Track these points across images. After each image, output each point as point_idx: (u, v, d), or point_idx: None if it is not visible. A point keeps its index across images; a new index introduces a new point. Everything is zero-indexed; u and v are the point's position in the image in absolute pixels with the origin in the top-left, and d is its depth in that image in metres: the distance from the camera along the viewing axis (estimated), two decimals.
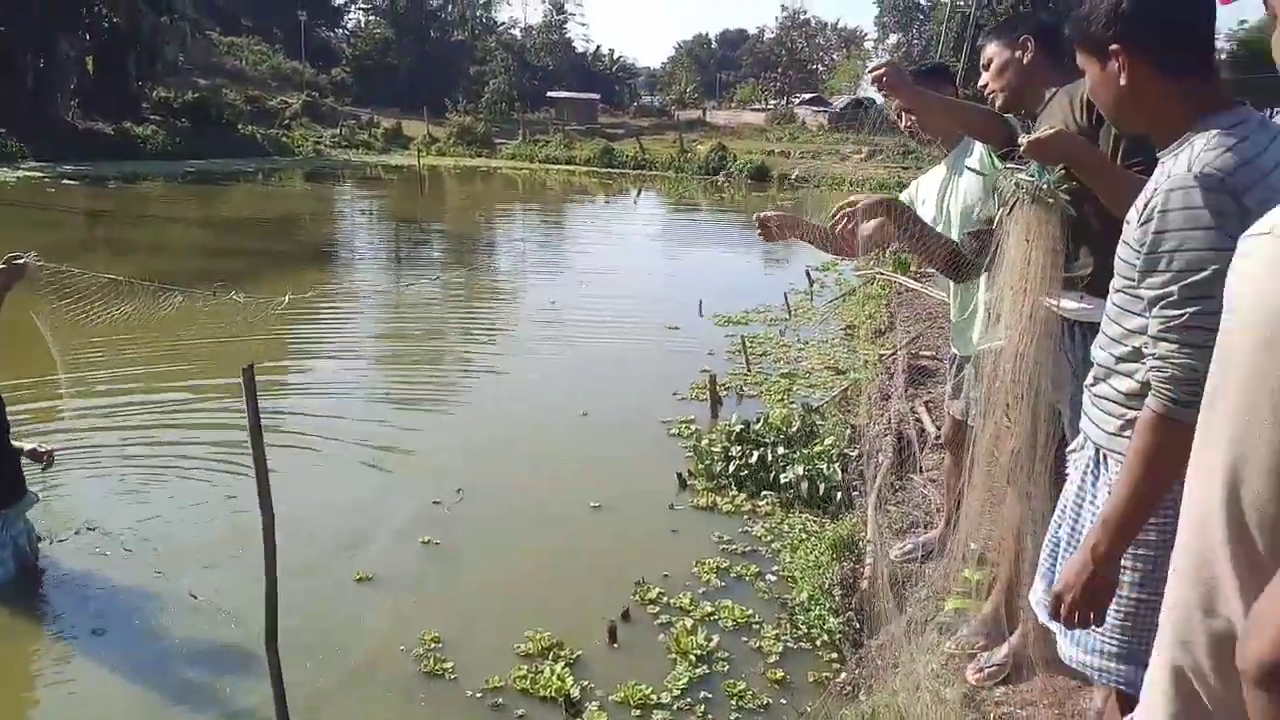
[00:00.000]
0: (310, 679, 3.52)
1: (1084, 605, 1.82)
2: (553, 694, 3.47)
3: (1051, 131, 2.42)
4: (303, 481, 5.27)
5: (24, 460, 4.37)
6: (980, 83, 3.05)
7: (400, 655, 3.73)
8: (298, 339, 8.98)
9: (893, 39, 70.38)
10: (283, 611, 3.34)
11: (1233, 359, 1.19)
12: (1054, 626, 2.17)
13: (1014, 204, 2.47)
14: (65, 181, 23.92)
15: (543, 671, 3.59)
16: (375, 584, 4.32)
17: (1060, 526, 2.18)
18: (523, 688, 3.51)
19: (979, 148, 3.42)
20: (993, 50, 2.97)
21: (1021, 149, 2.43)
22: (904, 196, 3.71)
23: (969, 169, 3.35)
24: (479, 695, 3.48)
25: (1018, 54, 2.87)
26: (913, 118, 3.43)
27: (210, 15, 49.91)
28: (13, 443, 4.31)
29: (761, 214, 3.56)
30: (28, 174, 24.92)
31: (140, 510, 4.96)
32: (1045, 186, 2.36)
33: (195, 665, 3.67)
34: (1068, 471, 2.26)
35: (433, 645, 3.78)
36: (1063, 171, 2.38)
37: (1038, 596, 2.29)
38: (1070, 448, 2.26)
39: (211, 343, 8.17)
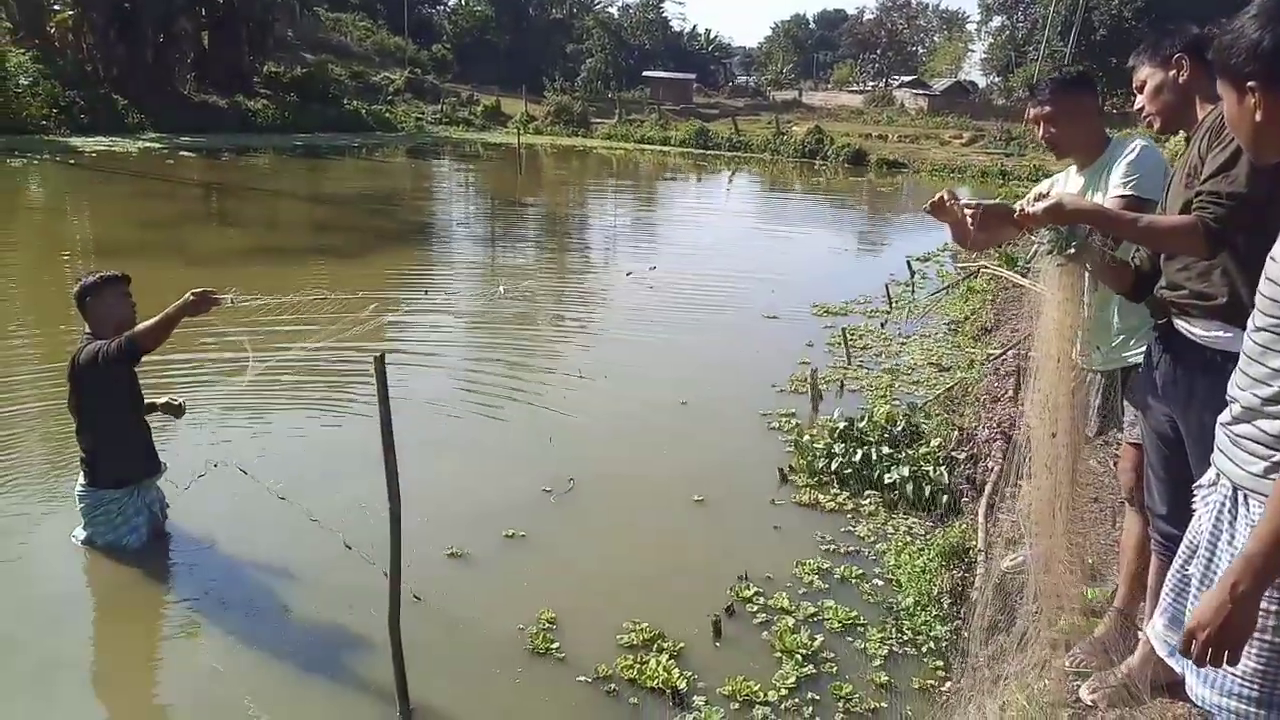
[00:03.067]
0: (428, 651, 3.64)
1: (1219, 644, 1.80)
2: (660, 684, 3.54)
3: (1047, 203, 2.64)
4: (415, 465, 5.44)
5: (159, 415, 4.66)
6: (1135, 106, 2.97)
7: (515, 635, 3.85)
8: (392, 335, 9.21)
9: (996, 21, 68.26)
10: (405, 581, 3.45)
11: None
12: (1178, 665, 2.15)
13: (1036, 259, 2.78)
14: (182, 153, 24.87)
15: (648, 662, 3.67)
16: (486, 566, 4.46)
17: (1190, 563, 2.15)
18: (630, 676, 3.59)
19: (1079, 179, 3.35)
20: (1146, 72, 2.89)
21: (1031, 222, 2.60)
22: (1035, 192, 3.63)
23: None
24: (590, 681, 3.57)
25: (1172, 73, 2.80)
26: (1051, 129, 3.33)
27: None
28: (147, 400, 4.58)
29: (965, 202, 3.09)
30: (148, 145, 25.98)
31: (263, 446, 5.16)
32: (1065, 245, 2.63)
33: (318, 635, 3.84)
34: (1194, 507, 2.23)
35: (547, 625, 3.90)
36: (1086, 229, 2.63)
37: (1158, 631, 2.27)
38: (1199, 483, 2.22)
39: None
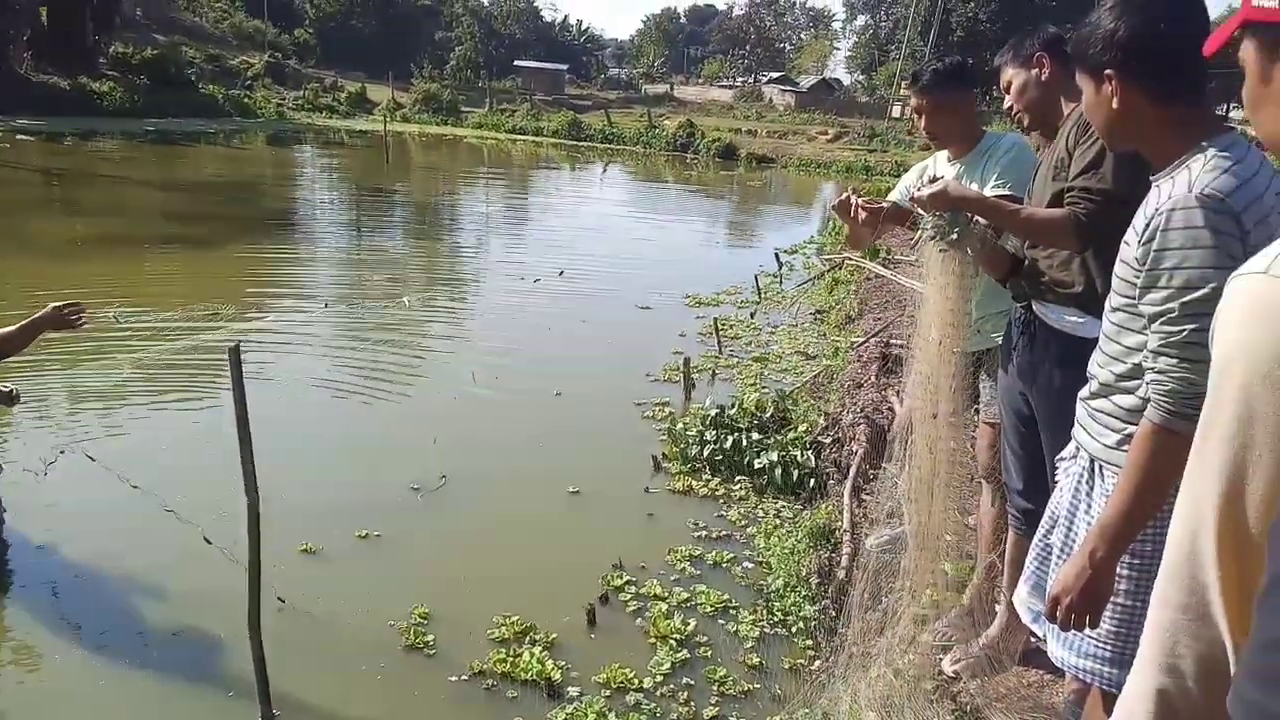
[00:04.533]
0: (296, 651, 3.51)
1: (1080, 609, 1.88)
2: (534, 676, 3.50)
3: (934, 188, 2.75)
4: (280, 461, 5.24)
5: None
6: (1005, 105, 3.09)
7: (387, 633, 3.74)
8: (257, 326, 8.87)
9: (860, 20, 70.44)
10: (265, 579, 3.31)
11: (1223, 392, 1.21)
12: (1042, 630, 2.24)
13: (919, 244, 2.89)
14: (19, 136, 23.26)
15: (521, 655, 3.62)
16: (355, 564, 4.32)
17: (1052, 533, 2.24)
18: (504, 670, 3.53)
19: (950, 168, 3.47)
20: (1011, 72, 3.01)
21: (917, 206, 2.71)
22: (904, 184, 3.72)
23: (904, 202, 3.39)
24: (467, 677, 3.51)
25: (1034, 71, 2.92)
26: (930, 117, 3.42)
27: None
28: None
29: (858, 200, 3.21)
30: None
31: (117, 438, 4.89)
32: (946, 230, 2.73)
33: (174, 636, 3.65)
34: (1056, 480, 2.33)
35: (419, 620, 3.82)
36: (969, 216, 2.74)
37: (1022, 598, 2.36)
38: (1061, 456, 2.32)
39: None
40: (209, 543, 3.88)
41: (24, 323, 3.89)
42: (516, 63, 60.81)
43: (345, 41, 56.89)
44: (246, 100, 37.89)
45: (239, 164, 24.06)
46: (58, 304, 3.92)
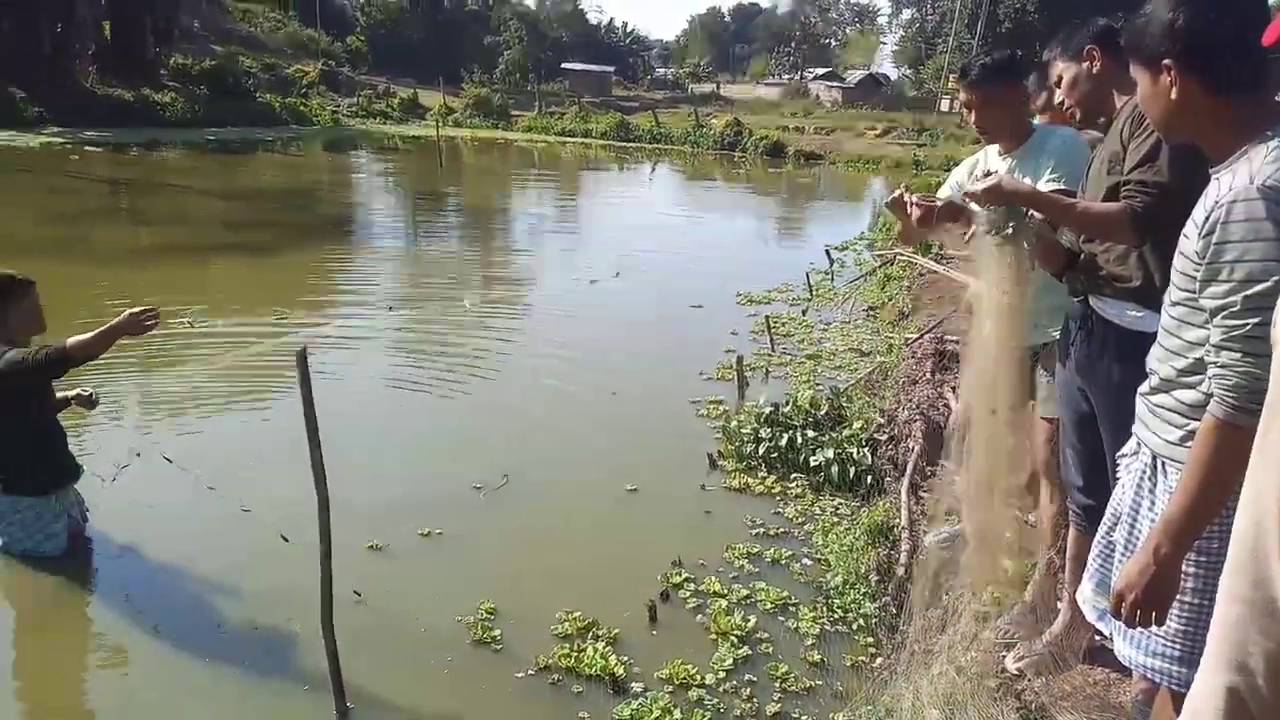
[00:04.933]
0: (368, 645, 3.60)
1: (1146, 606, 1.89)
2: (598, 671, 3.56)
3: (986, 182, 2.73)
4: (345, 459, 5.36)
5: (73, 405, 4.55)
6: (1057, 100, 3.08)
7: (454, 628, 3.84)
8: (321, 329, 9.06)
9: (906, 14, 69.54)
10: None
11: None
12: (1107, 627, 2.24)
13: (974, 239, 2.87)
14: (88, 148, 23.91)
15: (585, 650, 3.68)
16: (422, 561, 4.43)
17: (1115, 530, 2.24)
18: (568, 665, 3.60)
19: (1001, 162, 3.45)
20: (1061, 66, 3.00)
21: (970, 200, 2.70)
22: (954, 179, 3.73)
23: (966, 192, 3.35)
24: (532, 674, 3.57)
25: (1085, 65, 2.91)
26: (980, 111, 3.42)
27: None
28: (58, 395, 4.44)
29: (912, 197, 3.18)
30: (49, 139, 24.88)
31: (190, 438, 5.03)
32: (1001, 225, 2.72)
33: (250, 631, 3.77)
34: (1117, 476, 2.33)
35: (486, 616, 3.91)
36: (1023, 210, 2.73)
37: (1086, 596, 2.36)
38: (1122, 453, 2.32)
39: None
40: (286, 540, 3.99)
41: (102, 329, 3.99)
42: (564, 65, 61.04)
43: (396, 48, 57.54)
44: (302, 108, 38.52)
45: (296, 171, 24.51)
46: (134, 310, 4.03)
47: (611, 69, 62.92)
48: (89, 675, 3.67)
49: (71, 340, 4.00)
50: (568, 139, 39.82)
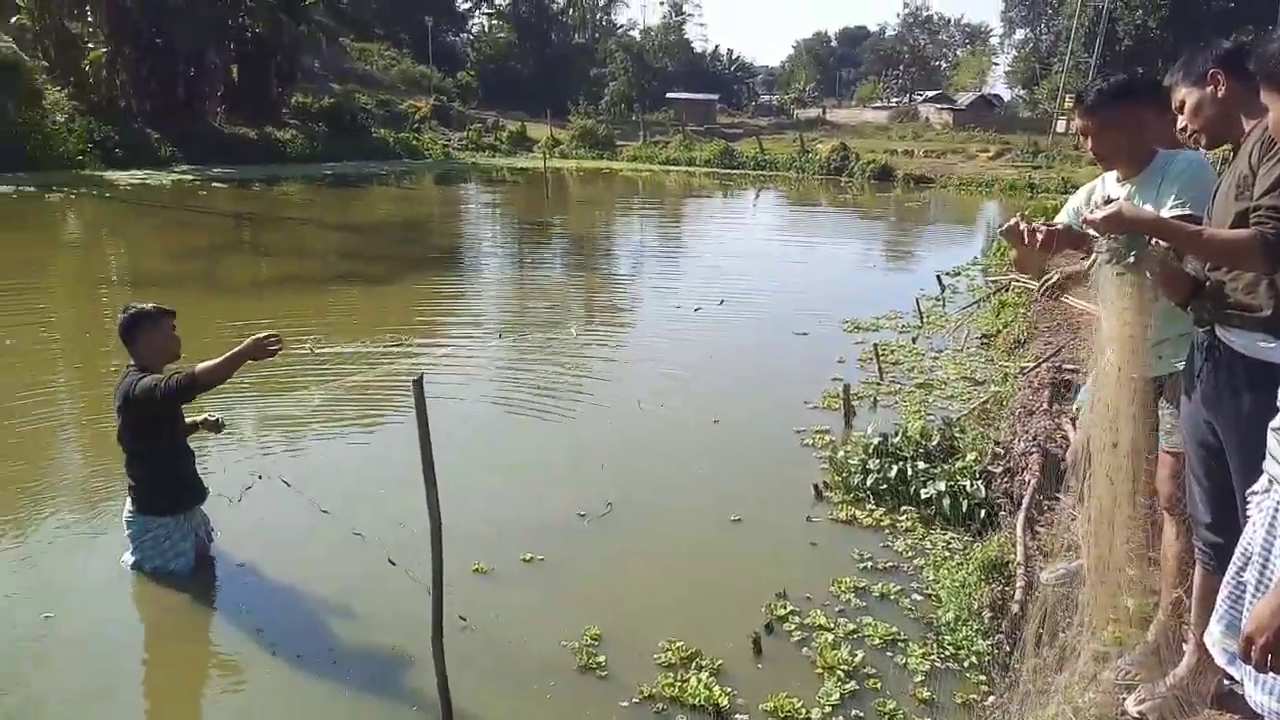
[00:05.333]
0: (475, 668, 3.65)
1: (1278, 649, 1.79)
2: (702, 702, 3.54)
3: (1107, 210, 2.64)
4: (451, 482, 5.48)
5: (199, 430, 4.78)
6: (1179, 126, 2.97)
7: (559, 652, 3.86)
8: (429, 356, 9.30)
9: (1019, 34, 68.17)
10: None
11: None
12: (1238, 671, 2.13)
13: (1095, 268, 2.78)
14: (214, 184, 25.25)
15: (688, 680, 3.67)
16: (528, 586, 4.48)
17: (1245, 570, 2.14)
18: (672, 695, 3.58)
19: (1120, 188, 3.34)
20: (1183, 91, 2.89)
21: (1089, 228, 2.61)
22: (1071, 206, 3.62)
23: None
24: (636, 702, 3.57)
25: (1209, 89, 2.79)
26: (1095, 137, 3.33)
27: (342, 22, 51.82)
28: (187, 420, 4.65)
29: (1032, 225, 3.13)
30: (180, 176, 26.42)
31: (306, 460, 5.23)
32: (1122, 253, 2.64)
33: (362, 653, 3.87)
34: (1249, 514, 2.22)
35: (592, 642, 3.92)
36: (1146, 237, 2.62)
37: (1215, 638, 2.25)
38: (1252, 490, 2.21)
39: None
40: (393, 564, 4.09)
41: (228, 355, 4.17)
42: (669, 95, 61.66)
43: (505, 83, 59.15)
44: (415, 142, 39.90)
45: (409, 203, 25.33)
46: (258, 335, 4.20)
47: (716, 97, 63.33)
48: (208, 690, 3.81)
49: (200, 366, 4.19)
50: (672, 167, 40.17)
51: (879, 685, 3.69)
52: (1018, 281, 11.16)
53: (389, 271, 13.82)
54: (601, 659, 3.81)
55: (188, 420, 4.70)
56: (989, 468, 5.47)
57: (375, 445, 6.29)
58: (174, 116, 30.72)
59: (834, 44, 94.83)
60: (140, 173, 26.15)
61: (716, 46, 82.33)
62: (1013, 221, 3.15)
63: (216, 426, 4.87)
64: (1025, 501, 4.84)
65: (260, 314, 9.64)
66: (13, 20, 29.52)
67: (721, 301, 11.37)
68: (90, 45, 31.25)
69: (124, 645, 4.04)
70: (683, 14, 73.99)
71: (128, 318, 4.41)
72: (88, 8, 31.27)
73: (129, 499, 4.45)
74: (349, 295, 11.92)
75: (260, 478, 4.98)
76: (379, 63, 56.45)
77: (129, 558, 4.44)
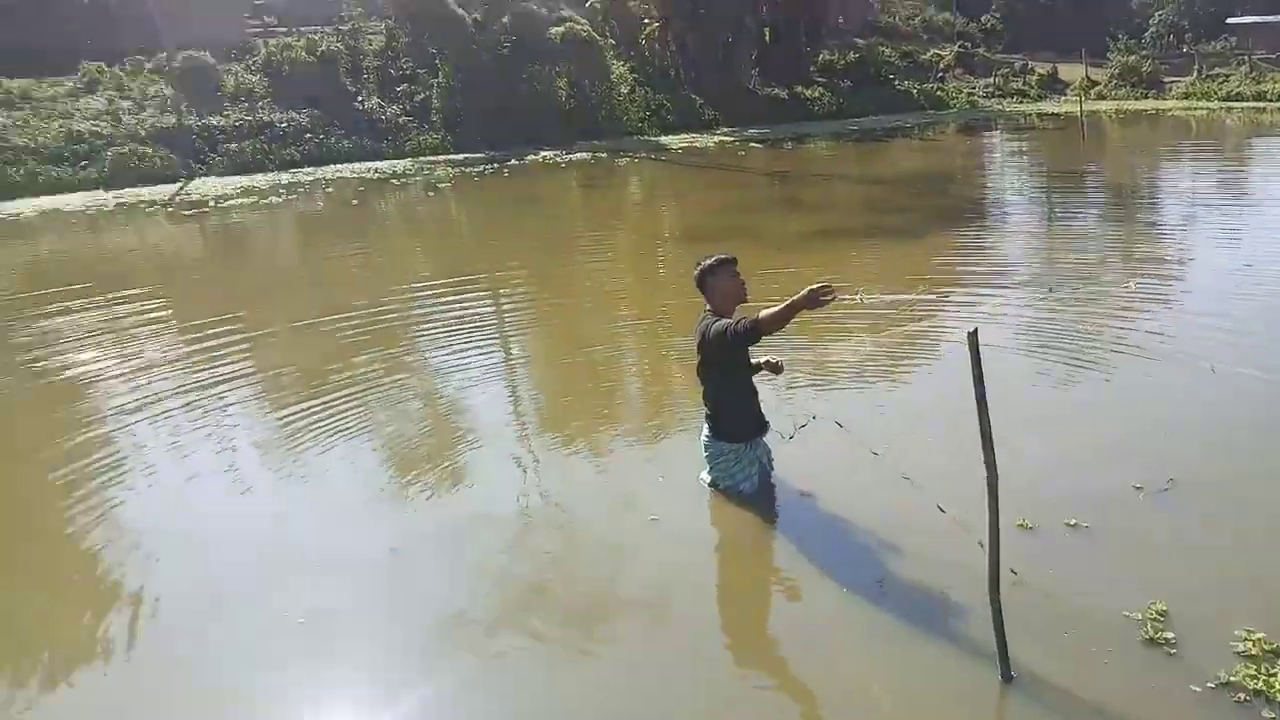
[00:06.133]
0: (1024, 621, 3.65)
1: None
2: None
3: None
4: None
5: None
6: None
7: (1121, 622, 3.74)
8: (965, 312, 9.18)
9: None
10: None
11: None
12: None
13: None
14: (751, 145, 27.05)
15: (1276, 675, 3.34)
16: (1080, 548, 4.36)
17: None
18: (1256, 688, 3.30)
19: None
20: None
21: None
22: None
23: None
24: (1212, 687, 3.36)
25: None
26: None
27: None
28: (752, 360, 5.12)
29: None
30: (721, 138, 28.71)
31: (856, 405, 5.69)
32: None
33: (911, 591, 4.08)
34: None
35: (1157, 616, 3.75)
36: None
37: None
38: None
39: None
40: (942, 511, 4.21)
41: (785, 304, 4.40)
42: (1229, 20, 53.32)
43: (1034, 22, 55.18)
44: (939, 92, 39.00)
45: (933, 154, 24.99)
46: (813, 286, 4.36)
47: None
48: (772, 604, 4.28)
49: (763, 313, 4.55)
50: (1234, 104, 34.89)
51: None
52: None
53: (917, 223, 13.86)
54: (1169, 635, 3.63)
55: (753, 361, 5.19)
56: None
57: (921, 394, 6.48)
58: (714, 81, 33.30)
59: None
60: (688, 136, 28.90)
61: None
62: None
63: (777, 368, 5.31)
64: None
65: (801, 265, 10.24)
66: (586, 4, 33.98)
67: (1128, 285, 9.71)
68: (645, 21, 34.85)
69: (700, 543, 4.73)
70: None
71: (704, 268, 4.92)
72: None
73: (705, 425, 5.07)
74: (880, 246, 12.20)
75: (814, 418, 5.39)
76: (901, 13, 55.80)
77: (705, 476, 5.09)
